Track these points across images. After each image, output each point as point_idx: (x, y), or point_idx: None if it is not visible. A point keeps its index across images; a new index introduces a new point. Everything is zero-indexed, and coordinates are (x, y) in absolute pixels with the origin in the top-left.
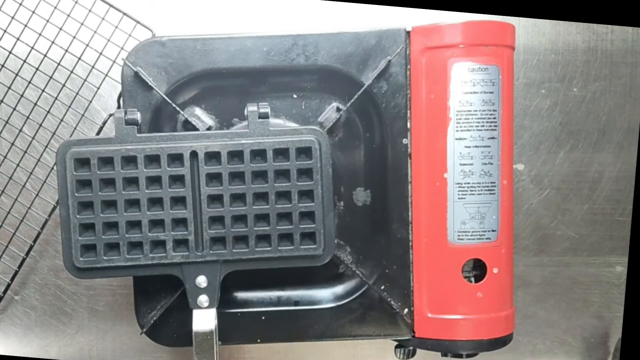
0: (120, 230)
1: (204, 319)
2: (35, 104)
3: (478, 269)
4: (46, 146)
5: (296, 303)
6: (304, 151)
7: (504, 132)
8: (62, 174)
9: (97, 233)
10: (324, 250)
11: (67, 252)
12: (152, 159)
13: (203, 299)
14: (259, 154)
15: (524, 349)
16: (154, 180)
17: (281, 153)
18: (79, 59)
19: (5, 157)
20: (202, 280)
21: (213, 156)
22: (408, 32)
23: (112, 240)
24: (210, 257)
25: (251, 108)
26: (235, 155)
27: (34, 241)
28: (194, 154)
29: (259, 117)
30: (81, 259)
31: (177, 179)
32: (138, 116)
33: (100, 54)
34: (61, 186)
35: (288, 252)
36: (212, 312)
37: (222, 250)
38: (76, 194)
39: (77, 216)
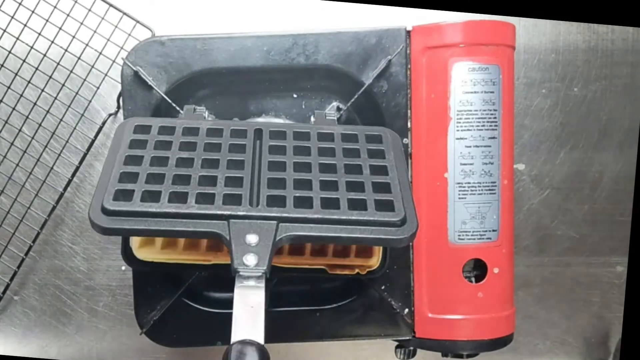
0: (166, 182)
1: (250, 286)
2: (35, 103)
3: (479, 269)
4: (46, 146)
5: (296, 303)
6: (374, 139)
7: (505, 131)
8: (116, 140)
9: (139, 182)
10: (404, 221)
11: (98, 197)
12: (215, 133)
13: (251, 257)
14: (325, 138)
15: (525, 349)
16: (213, 148)
17: (349, 139)
18: (79, 58)
19: (4, 157)
20: (252, 239)
21: (278, 135)
22: (408, 32)
23: (154, 188)
24: (266, 212)
25: (318, 112)
26: (301, 137)
27: (34, 241)
28: (258, 132)
29: (326, 117)
30: (113, 201)
31: (238, 150)
32: (206, 114)
33: (100, 53)
34: (112, 149)
35: (361, 215)
36: (261, 284)
37: (281, 207)
38: (128, 149)
39: (122, 166)
